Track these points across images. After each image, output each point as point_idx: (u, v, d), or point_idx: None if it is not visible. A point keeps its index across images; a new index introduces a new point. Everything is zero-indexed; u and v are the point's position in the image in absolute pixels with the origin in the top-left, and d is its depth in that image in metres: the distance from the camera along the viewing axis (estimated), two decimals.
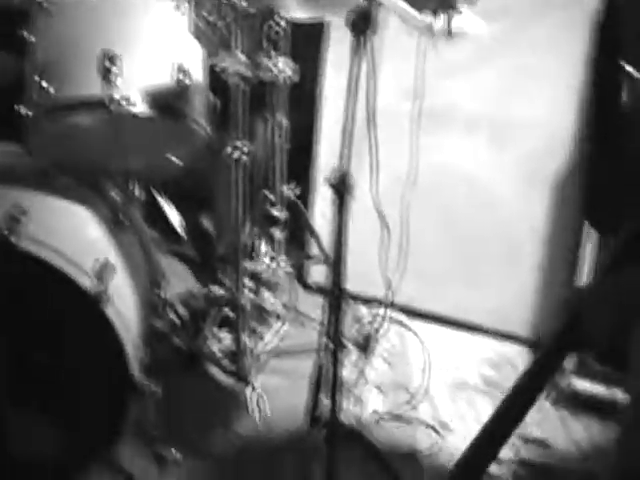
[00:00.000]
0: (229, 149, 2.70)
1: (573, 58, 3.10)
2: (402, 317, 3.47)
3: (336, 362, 2.39)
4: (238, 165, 2.76)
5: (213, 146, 2.70)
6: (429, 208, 3.37)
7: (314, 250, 3.54)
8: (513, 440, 2.85)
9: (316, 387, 2.57)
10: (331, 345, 2.42)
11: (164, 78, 2.47)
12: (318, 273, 3.60)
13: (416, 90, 3.04)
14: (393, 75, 3.15)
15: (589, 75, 3.04)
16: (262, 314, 3.27)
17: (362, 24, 2.04)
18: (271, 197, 3.21)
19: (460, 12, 2.08)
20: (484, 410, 3.10)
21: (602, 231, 1.67)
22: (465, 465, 1.52)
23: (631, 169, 1.60)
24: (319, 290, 3.60)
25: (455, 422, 3.03)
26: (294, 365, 3.15)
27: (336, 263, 2.32)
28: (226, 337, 3.13)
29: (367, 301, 3.46)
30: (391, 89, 3.19)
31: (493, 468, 2.77)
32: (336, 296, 2.35)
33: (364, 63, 2.21)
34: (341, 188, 2.24)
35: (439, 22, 2.02)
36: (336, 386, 2.42)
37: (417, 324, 3.49)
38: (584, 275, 3.04)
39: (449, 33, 2.01)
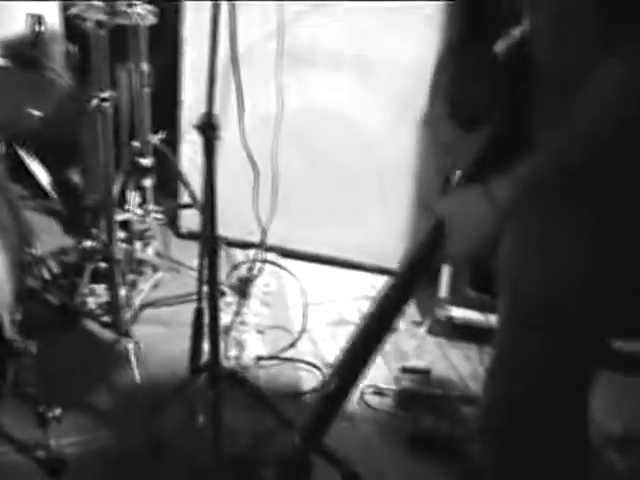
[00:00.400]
0: (93, 99, 2.62)
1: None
2: (278, 259, 3.47)
3: (215, 307, 2.38)
4: (103, 115, 2.69)
5: (75, 96, 2.63)
6: (299, 148, 3.36)
7: (185, 197, 3.50)
8: (394, 370, 2.97)
9: (196, 333, 2.56)
10: (208, 290, 2.40)
11: (19, 28, 2.38)
12: (190, 220, 3.57)
13: (279, 29, 3.02)
14: (256, 14, 3.10)
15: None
16: (136, 265, 3.23)
17: None
18: (138, 146, 3.14)
19: None
20: None
21: (466, 128, 1.67)
22: (334, 390, 1.54)
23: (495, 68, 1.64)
24: (192, 237, 3.57)
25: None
26: (173, 313, 3.15)
27: (207, 207, 2.29)
28: (102, 291, 3.09)
29: (242, 245, 3.45)
30: (254, 29, 3.14)
31: (375, 400, 2.86)
32: (210, 241, 2.33)
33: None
34: (208, 130, 2.20)
35: None
36: (216, 331, 2.42)
37: (293, 265, 3.50)
38: None
39: None
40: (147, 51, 2.96)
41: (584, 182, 1.51)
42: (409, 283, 1.62)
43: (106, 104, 2.68)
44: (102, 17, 2.57)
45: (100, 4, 2.57)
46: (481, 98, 1.62)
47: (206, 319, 2.46)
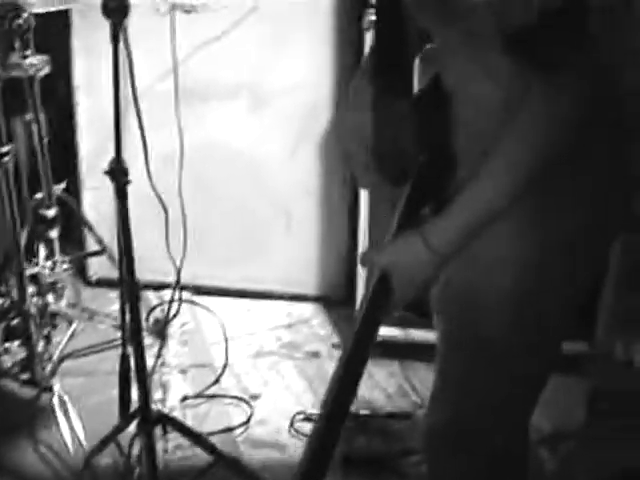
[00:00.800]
0: None
1: (325, 12, 3.18)
2: (192, 297, 3.45)
3: (141, 351, 2.37)
4: (4, 170, 2.66)
5: None
6: (201, 185, 3.36)
7: (91, 245, 3.47)
8: (320, 395, 2.98)
9: (123, 379, 2.54)
10: (132, 335, 2.38)
11: None
12: (99, 267, 3.54)
13: (173, 68, 3.03)
14: (147, 56, 3.08)
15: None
16: (49, 318, 3.18)
17: (117, 7, 2.01)
18: (40, 197, 3.10)
19: None
20: (287, 372, 3.17)
21: (394, 183, 1.68)
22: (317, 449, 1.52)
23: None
24: (102, 284, 3.55)
25: (261, 389, 3.08)
26: (92, 363, 3.11)
27: (125, 252, 2.29)
28: (16, 348, 3.02)
29: (154, 287, 3.43)
30: (147, 70, 3.13)
31: (306, 426, 2.87)
32: (131, 286, 2.32)
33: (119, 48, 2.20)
34: (118, 175, 2.24)
35: None
36: (144, 375, 2.40)
37: (208, 301, 3.48)
38: (361, 229, 3.10)
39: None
40: (40, 101, 2.91)
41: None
42: (369, 337, 1.59)
43: (6, 158, 2.65)
44: None
45: None
46: (407, 146, 1.64)
47: (130, 364, 2.45)
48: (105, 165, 3.25)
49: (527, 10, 1.35)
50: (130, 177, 2.26)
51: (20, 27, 2.49)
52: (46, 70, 2.66)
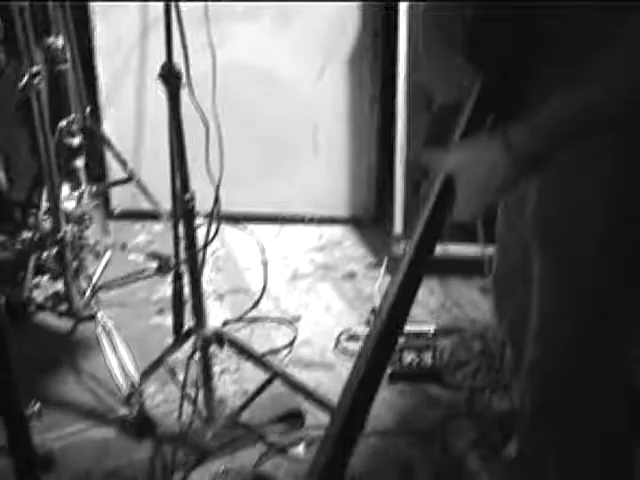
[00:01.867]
0: (26, 76, 2.51)
1: None
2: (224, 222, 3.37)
3: (196, 270, 2.36)
4: (36, 92, 2.57)
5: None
6: (227, 108, 3.21)
7: (113, 176, 3.42)
8: (363, 314, 2.96)
9: (178, 306, 2.53)
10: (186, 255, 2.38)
11: None
12: (122, 199, 3.50)
13: None
14: None
15: None
16: (79, 250, 3.11)
17: None
18: (64, 125, 3.02)
19: None
20: (324, 293, 3.16)
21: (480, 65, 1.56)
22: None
23: None
24: (126, 216, 3.53)
25: (301, 310, 3.07)
26: (127, 293, 3.10)
27: (178, 164, 2.24)
28: (45, 282, 2.99)
29: None
30: None
31: (351, 345, 2.86)
32: (184, 201, 2.27)
33: None
34: (171, 79, 2.19)
35: None
36: (199, 295, 2.38)
37: (243, 227, 3.43)
38: (398, 147, 3.05)
39: None
40: (67, 23, 2.83)
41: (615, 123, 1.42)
42: (425, 248, 1.49)
43: (37, 79, 2.57)
44: None
45: None
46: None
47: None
48: (126, 92, 3.29)
49: None
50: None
51: None
52: None
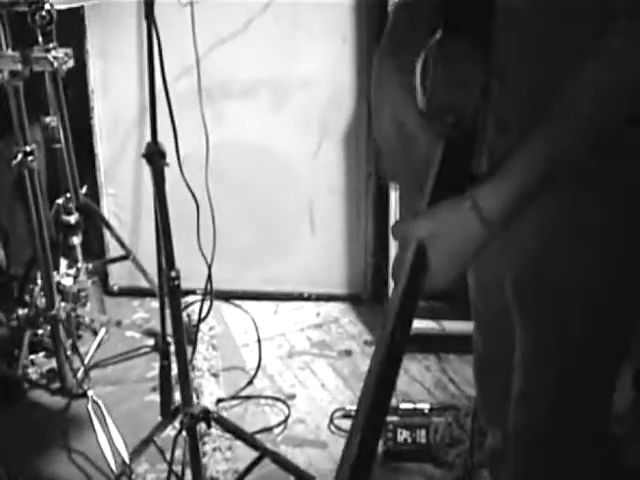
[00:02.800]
0: (18, 155, 2.56)
1: (343, 12, 3.17)
2: (219, 300, 3.41)
3: (183, 349, 2.36)
4: (29, 171, 2.62)
5: None
6: (224, 185, 3.31)
7: (111, 253, 3.46)
8: (358, 391, 2.95)
9: (164, 379, 2.53)
10: (173, 332, 2.37)
11: None
12: (120, 276, 3.52)
13: (194, 65, 3.01)
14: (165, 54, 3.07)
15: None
16: (75, 328, 3.13)
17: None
18: (61, 202, 3.07)
19: None
20: (320, 371, 3.15)
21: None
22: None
23: None
24: (124, 293, 3.54)
25: (296, 388, 3.06)
26: (121, 371, 3.09)
27: (163, 241, 2.26)
28: (40, 359, 3.02)
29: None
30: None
31: (345, 423, 2.84)
32: (169, 279, 2.29)
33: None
34: (155, 158, 2.21)
35: None
36: (186, 372, 2.39)
37: (237, 304, 3.48)
38: (391, 221, 3.08)
39: None
40: (64, 100, 2.89)
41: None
42: (405, 326, 1.39)
43: (31, 158, 2.61)
44: (16, 66, 2.51)
45: (12, 53, 2.52)
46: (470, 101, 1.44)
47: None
48: (124, 170, 3.35)
49: None
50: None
51: (43, 19, 2.46)
52: (70, 64, 2.62)
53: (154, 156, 2.21)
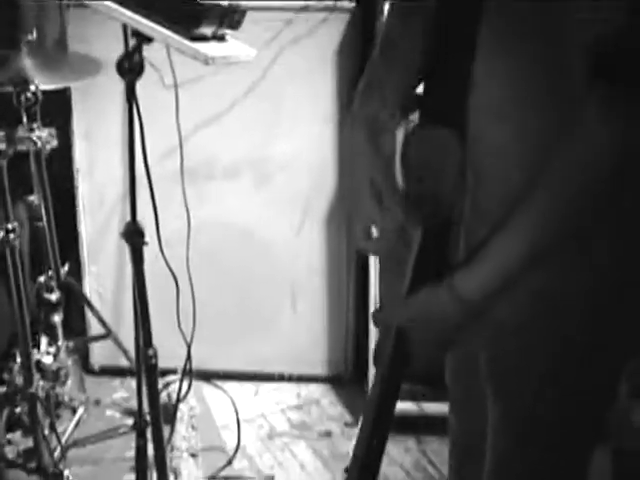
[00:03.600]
0: (1, 232, 2.59)
1: (326, 90, 3.22)
2: (200, 380, 3.42)
3: (159, 432, 2.37)
4: (10, 249, 2.64)
5: None
6: (206, 265, 3.36)
7: (93, 332, 3.46)
8: (337, 474, 2.95)
9: (140, 463, 2.53)
10: (150, 416, 2.40)
11: None
12: (101, 355, 3.53)
13: (176, 146, 3.05)
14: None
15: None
16: (54, 406, 3.12)
17: (131, 68, 2.04)
18: (43, 280, 3.09)
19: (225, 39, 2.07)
20: (300, 452, 3.15)
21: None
22: None
23: None
24: (104, 372, 3.54)
25: (275, 470, 3.05)
26: (99, 451, 3.06)
27: (142, 320, 2.28)
28: (18, 438, 3.01)
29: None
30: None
31: None
32: (148, 357, 2.31)
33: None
34: (135, 237, 2.25)
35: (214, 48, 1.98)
36: (164, 458, 2.40)
37: (217, 384, 3.48)
38: (371, 304, 3.11)
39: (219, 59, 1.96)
40: (47, 180, 2.93)
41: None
42: (388, 410, 1.48)
43: (12, 236, 2.64)
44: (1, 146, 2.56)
45: None
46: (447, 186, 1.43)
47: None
48: (107, 249, 3.37)
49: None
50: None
51: (28, 100, 2.52)
52: (53, 144, 2.67)
53: (133, 235, 2.24)
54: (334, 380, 3.53)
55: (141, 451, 2.50)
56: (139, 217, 2.33)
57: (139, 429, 2.50)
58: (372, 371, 3.10)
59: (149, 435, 2.48)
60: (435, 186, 1.41)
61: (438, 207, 1.41)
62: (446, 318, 1.38)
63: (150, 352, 2.33)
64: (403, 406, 3.10)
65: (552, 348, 1.53)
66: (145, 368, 2.34)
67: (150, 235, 2.37)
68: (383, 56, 1.59)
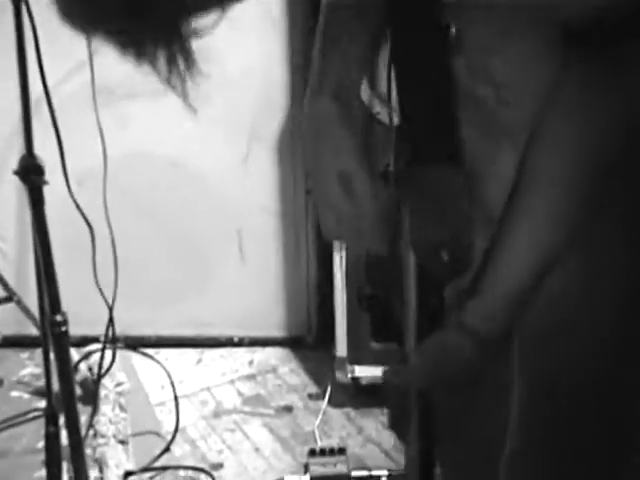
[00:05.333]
0: None
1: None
2: (127, 350, 3.36)
3: (75, 421, 2.32)
4: None
5: None
6: (129, 206, 3.27)
7: None
8: (300, 457, 2.91)
9: (50, 455, 2.44)
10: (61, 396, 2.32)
11: None
12: (3, 323, 3.43)
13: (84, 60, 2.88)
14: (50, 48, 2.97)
15: None
16: None
17: None
18: None
19: None
20: (254, 432, 3.10)
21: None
22: None
23: None
24: (8, 343, 3.47)
25: (224, 455, 3.01)
26: (4, 440, 2.99)
27: (46, 279, 2.18)
28: None
29: (76, 343, 3.17)
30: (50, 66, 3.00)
31: None
32: (55, 322, 2.20)
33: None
34: (31, 175, 2.16)
35: None
36: (81, 450, 2.36)
37: (149, 353, 3.42)
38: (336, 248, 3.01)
39: None
40: None
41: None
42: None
43: None
44: None
45: None
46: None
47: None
48: (5, 194, 3.25)
49: None
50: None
51: None
52: None
53: (29, 171, 2.14)
54: (294, 343, 3.50)
55: (52, 441, 2.39)
56: (42, 151, 2.25)
57: (49, 413, 2.38)
58: (340, 333, 3.09)
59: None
60: (450, 231, 1.44)
61: (458, 252, 1.44)
62: (465, 359, 1.39)
63: (58, 318, 2.21)
64: (378, 372, 3.02)
65: (586, 350, 1.57)
66: (53, 338, 2.23)
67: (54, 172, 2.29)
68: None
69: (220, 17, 1.02)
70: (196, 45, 1.02)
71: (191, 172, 3.30)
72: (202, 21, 1.04)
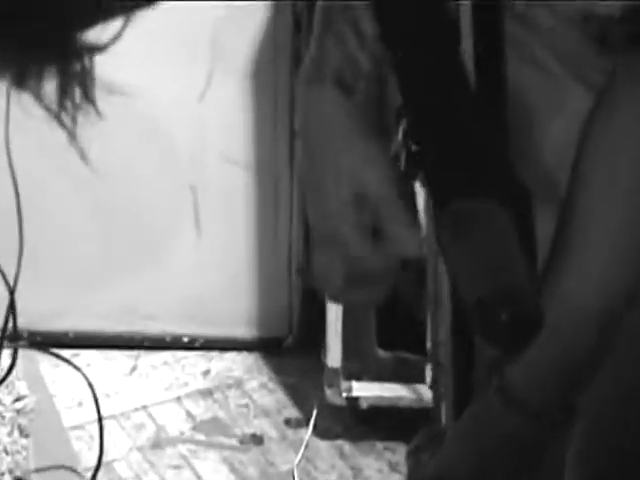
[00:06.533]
0: None
1: None
2: (33, 350, 2.86)
3: None
4: None
5: None
6: (44, 154, 2.92)
7: None
8: None
9: None
10: None
11: None
12: None
13: None
14: None
15: None
16: None
17: None
18: None
19: None
20: (206, 468, 2.89)
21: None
22: None
23: None
24: None
25: None
26: None
27: None
28: None
29: None
30: None
31: None
32: None
33: None
34: None
35: None
36: None
37: (62, 356, 2.92)
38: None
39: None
40: None
41: None
42: None
43: None
44: None
45: None
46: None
47: None
48: None
49: None
50: None
51: None
52: None
53: None
54: (268, 348, 3.28)
55: None
56: None
57: None
58: (333, 335, 2.91)
59: None
60: (508, 283, 1.25)
61: (521, 304, 1.22)
62: (509, 437, 1.34)
63: None
64: (383, 390, 2.89)
65: None
66: None
67: None
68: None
69: (125, 26, 0.90)
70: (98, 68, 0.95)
71: (130, 107, 2.91)
72: (104, 31, 0.91)
